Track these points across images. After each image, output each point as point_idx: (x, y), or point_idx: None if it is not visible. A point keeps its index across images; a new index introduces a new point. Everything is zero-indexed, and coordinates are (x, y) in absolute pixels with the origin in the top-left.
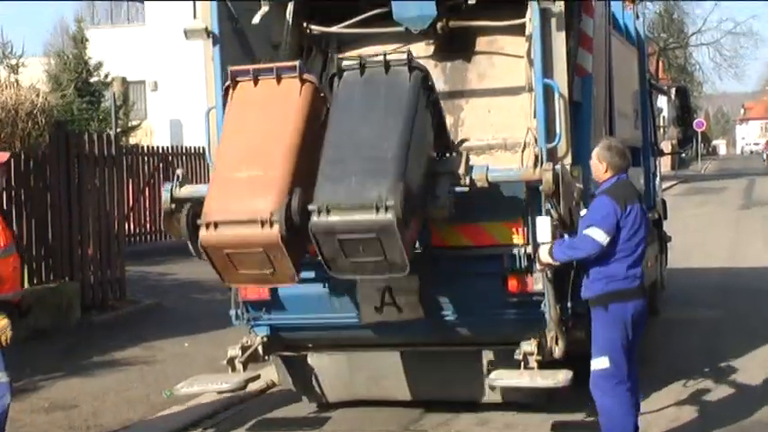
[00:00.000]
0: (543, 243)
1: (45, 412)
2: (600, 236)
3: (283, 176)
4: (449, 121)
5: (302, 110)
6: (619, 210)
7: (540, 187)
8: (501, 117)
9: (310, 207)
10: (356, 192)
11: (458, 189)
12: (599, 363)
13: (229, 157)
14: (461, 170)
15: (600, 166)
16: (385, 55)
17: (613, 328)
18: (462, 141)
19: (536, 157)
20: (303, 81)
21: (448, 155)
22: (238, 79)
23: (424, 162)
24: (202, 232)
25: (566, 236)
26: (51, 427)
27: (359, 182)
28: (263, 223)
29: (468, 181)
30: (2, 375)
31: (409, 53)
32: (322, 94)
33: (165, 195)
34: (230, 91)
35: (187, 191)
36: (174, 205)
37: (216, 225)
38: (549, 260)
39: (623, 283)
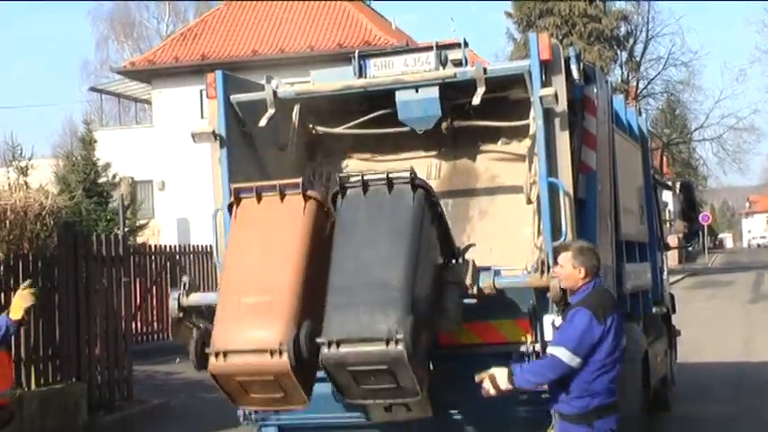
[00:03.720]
0: (499, 369)
1: None
2: (566, 356)
3: (291, 302)
4: (453, 221)
5: (307, 228)
6: (598, 323)
7: (548, 294)
8: (505, 215)
9: (320, 340)
10: (366, 325)
11: (466, 300)
12: None
13: (236, 282)
14: (468, 280)
15: (575, 272)
16: (388, 174)
17: None
18: (468, 247)
19: (542, 262)
20: (306, 198)
21: (454, 261)
22: (241, 196)
23: (430, 273)
24: (212, 361)
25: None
26: None
27: (367, 313)
28: (272, 353)
29: (475, 290)
30: None
31: (412, 170)
32: (326, 209)
33: (173, 304)
34: (234, 208)
35: (195, 299)
36: (182, 314)
37: (225, 354)
38: (509, 387)
39: (605, 397)
